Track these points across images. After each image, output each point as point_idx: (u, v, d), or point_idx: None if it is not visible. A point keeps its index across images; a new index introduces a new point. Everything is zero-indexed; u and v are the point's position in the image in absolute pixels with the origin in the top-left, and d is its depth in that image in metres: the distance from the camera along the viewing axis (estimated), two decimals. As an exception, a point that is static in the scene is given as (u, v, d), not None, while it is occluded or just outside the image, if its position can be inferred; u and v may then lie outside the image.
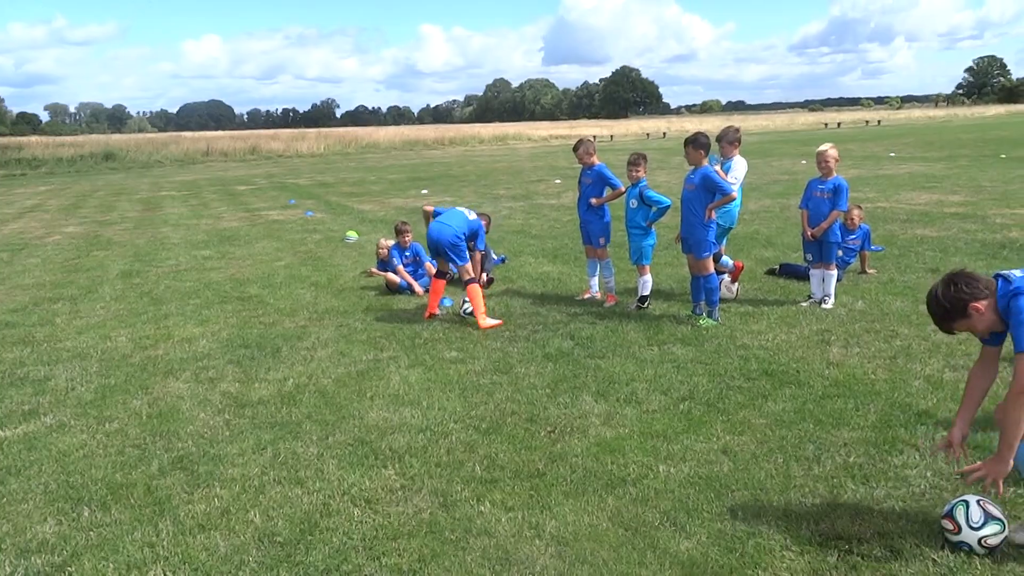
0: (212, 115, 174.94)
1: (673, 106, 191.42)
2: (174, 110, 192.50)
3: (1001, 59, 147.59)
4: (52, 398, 5.91)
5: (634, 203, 7.59)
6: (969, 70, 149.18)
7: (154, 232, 15.68)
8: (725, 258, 8.05)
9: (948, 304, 3.38)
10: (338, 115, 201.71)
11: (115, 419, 5.42)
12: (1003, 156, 25.64)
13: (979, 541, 3.36)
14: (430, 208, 8.14)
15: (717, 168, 7.60)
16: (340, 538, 3.74)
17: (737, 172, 7.77)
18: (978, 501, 3.42)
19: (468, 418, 5.17)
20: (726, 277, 7.94)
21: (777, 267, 9.21)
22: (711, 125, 62.48)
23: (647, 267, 7.70)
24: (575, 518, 3.85)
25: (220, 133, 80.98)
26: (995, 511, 3.40)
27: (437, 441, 4.82)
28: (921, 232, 11.53)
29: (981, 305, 3.34)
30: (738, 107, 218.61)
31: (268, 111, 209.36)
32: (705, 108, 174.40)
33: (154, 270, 11.27)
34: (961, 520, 3.39)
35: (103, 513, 4.08)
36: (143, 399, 5.80)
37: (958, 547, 3.41)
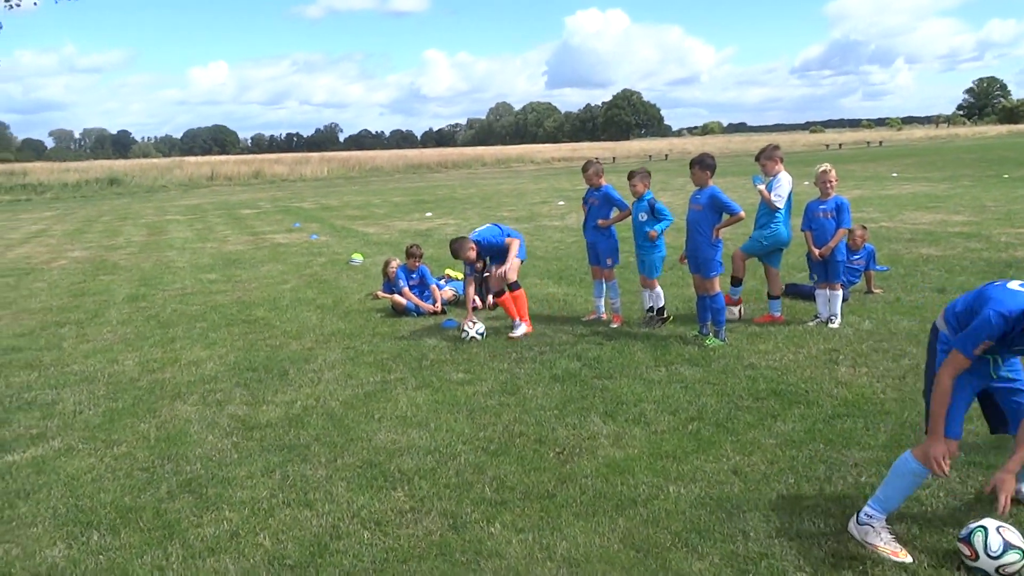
0: (216, 140, 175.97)
1: (675, 128, 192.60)
2: (179, 135, 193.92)
3: (1001, 80, 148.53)
4: (60, 422, 5.91)
5: (643, 216, 7.62)
6: (969, 91, 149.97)
7: (160, 256, 15.75)
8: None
9: None
10: (341, 139, 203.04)
11: (123, 442, 5.41)
12: (1006, 176, 25.72)
13: (997, 569, 3.31)
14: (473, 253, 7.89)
15: (762, 188, 7.60)
16: (350, 561, 3.72)
17: (781, 189, 7.56)
18: (998, 528, 3.36)
19: (476, 439, 5.16)
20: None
21: (783, 287, 9.20)
22: (712, 147, 62.75)
23: (655, 281, 7.75)
24: (586, 540, 3.83)
25: (224, 157, 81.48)
26: (1015, 539, 3.35)
27: (446, 463, 4.81)
28: (926, 252, 11.54)
29: None
30: (739, 129, 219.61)
31: (272, 136, 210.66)
32: (706, 130, 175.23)
33: (160, 294, 11.30)
34: (979, 547, 3.34)
35: (112, 537, 4.07)
36: (151, 422, 5.80)
37: (974, 572, 3.37)
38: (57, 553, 3.93)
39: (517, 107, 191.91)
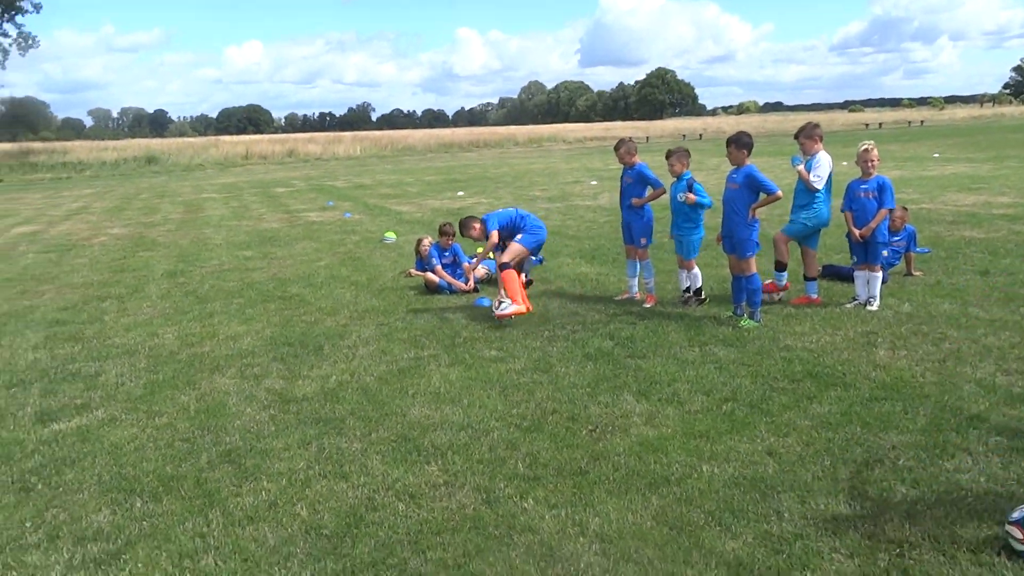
0: (251, 119, 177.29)
1: (709, 107, 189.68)
2: (214, 115, 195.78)
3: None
4: (103, 393, 6.06)
5: (681, 197, 7.52)
6: (1017, 68, 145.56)
7: (197, 233, 15.98)
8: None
9: None
10: (374, 118, 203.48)
11: (164, 413, 5.53)
12: (1053, 157, 24.95)
13: None
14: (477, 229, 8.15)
15: (801, 168, 7.49)
16: (385, 532, 3.78)
17: (821, 170, 7.46)
18: None
19: (509, 416, 5.19)
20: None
21: (820, 268, 9.07)
22: (748, 126, 61.77)
23: (693, 261, 7.69)
24: (619, 516, 3.84)
25: (259, 137, 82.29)
26: None
27: (479, 438, 4.84)
28: (968, 234, 11.28)
29: None
30: (776, 108, 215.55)
31: (305, 115, 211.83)
32: (742, 109, 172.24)
33: (198, 270, 11.49)
34: None
35: (155, 504, 4.17)
36: (191, 394, 5.92)
37: (1021, 556, 3.31)
38: (102, 518, 4.05)
39: (549, 86, 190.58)
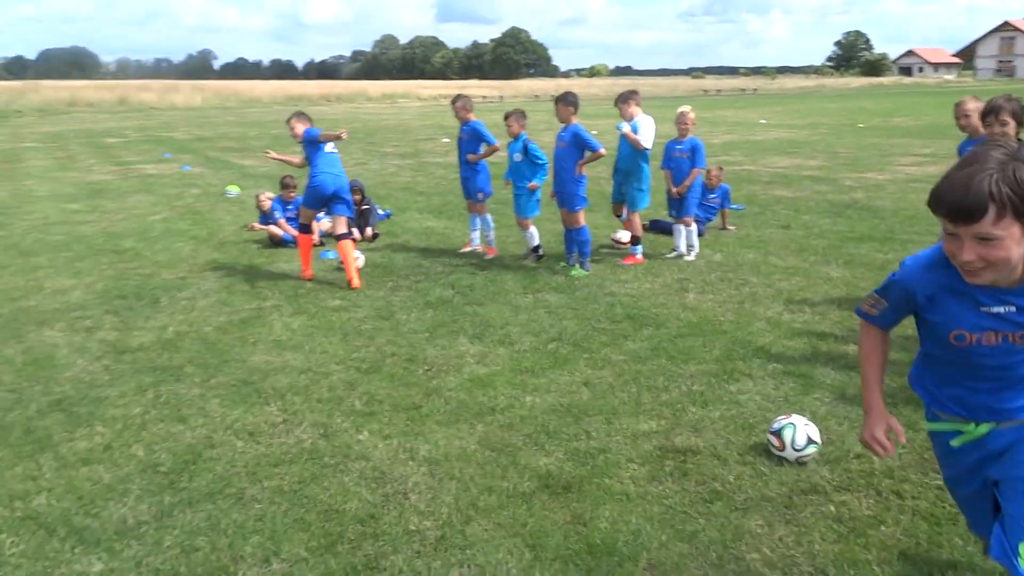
0: (75, 63, 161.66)
1: (562, 69, 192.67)
2: (32, 56, 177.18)
3: (866, 34, 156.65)
4: (-87, 349, 5.72)
5: (518, 156, 7.85)
6: (838, 43, 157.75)
7: (17, 185, 14.80)
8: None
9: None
10: (216, 67, 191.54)
11: (-15, 368, 5.34)
12: (860, 125, 27.64)
13: (796, 459, 3.93)
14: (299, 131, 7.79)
15: (627, 130, 7.63)
16: (223, 466, 3.95)
17: (645, 130, 7.66)
18: (804, 425, 3.97)
19: (349, 360, 5.43)
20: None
21: (647, 223, 9.80)
22: (599, 88, 63.66)
23: (529, 221, 8.05)
24: (446, 443, 4.21)
25: (86, 82, 75.42)
26: (816, 436, 3.97)
27: (319, 380, 5.06)
28: (779, 193, 12.49)
29: None
30: (626, 72, 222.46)
31: (139, 60, 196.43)
32: (594, 72, 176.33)
33: (19, 223, 10.75)
34: (787, 440, 3.93)
35: (-21, 454, 4.11)
36: (16, 348, 5.72)
37: (779, 459, 3.97)
38: (-79, 470, 3.95)
39: (404, 40, 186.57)
